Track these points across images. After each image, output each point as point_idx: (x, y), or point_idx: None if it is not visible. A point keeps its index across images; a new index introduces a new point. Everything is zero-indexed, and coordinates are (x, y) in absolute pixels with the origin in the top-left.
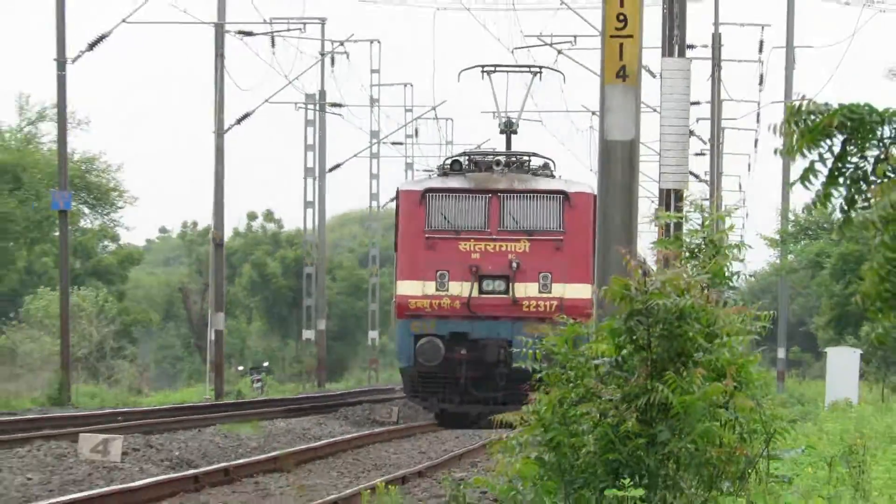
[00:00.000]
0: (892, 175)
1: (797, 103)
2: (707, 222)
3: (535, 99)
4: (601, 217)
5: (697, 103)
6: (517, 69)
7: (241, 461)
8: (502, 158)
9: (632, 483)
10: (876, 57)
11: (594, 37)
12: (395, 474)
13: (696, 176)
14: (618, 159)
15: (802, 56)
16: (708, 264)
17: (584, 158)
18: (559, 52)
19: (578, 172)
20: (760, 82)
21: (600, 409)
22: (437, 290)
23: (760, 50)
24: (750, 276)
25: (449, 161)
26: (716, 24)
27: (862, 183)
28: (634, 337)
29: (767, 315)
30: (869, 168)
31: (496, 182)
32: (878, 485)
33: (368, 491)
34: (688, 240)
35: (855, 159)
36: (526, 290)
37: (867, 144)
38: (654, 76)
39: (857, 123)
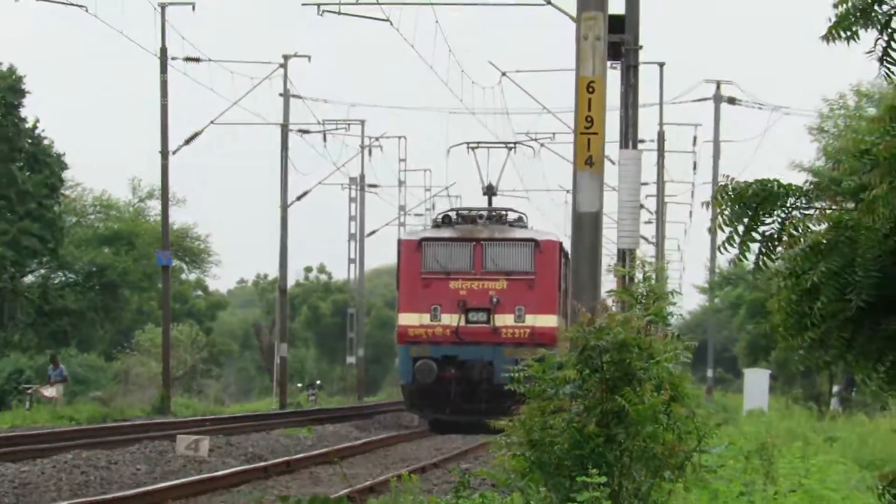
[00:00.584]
0: (795, 234)
1: (723, 182)
2: (648, 275)
3: (524, 181)
4: (574, 270)
5: (646, 184)
6: (496, 145)
7: (299, 456)
8: (484, 213)
9: (596, 472)
10: (781, 148)
11: (568, 133)
12: (416, 466)
13: (646, 239)
14: (586, 227)
15: (726, 148)
16: (651, 307)
17: (561, 227)
18: (542, 144)
19: (555, 234)
20: (694, 168)
21: (568, 419)
22: (431, 320)
23: (694, 143)
24: (685, 316)
25: (441, 216)
26: (660, 124)
27: (772, 241)
28: (590, 363)
29: (692, 345)
30: (776, 228)
31: (479, 232)
32: (783, 472)
33: (396, 478)
34: (636, 290)
35: (767, 220)
36: (504, 320)
37: (775, 210)
38: (613, 163)
39: (767, 194)
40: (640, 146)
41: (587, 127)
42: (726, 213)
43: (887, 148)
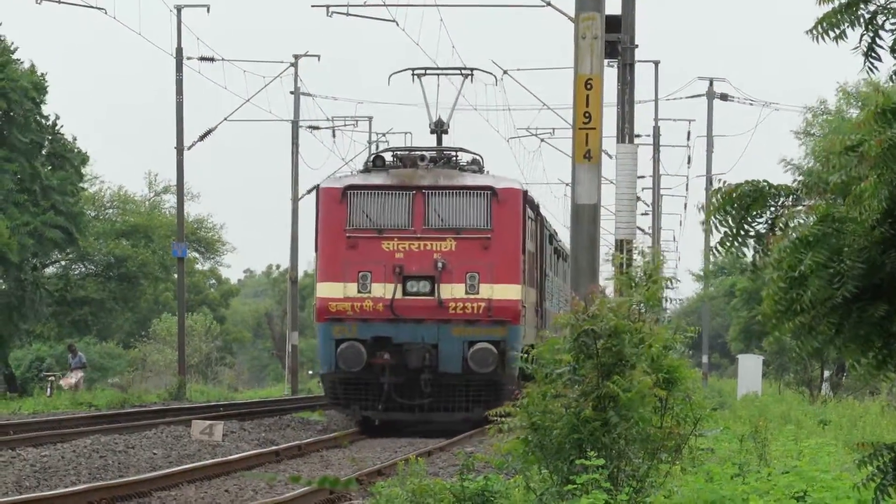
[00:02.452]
0: (785, 227)
1: (716, 185)
2: (646, 260)
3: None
4: (573, 259)
5: (642, 177)
6: (447, 72)
7: (310, 440)
8: (428, 154)
9: (594, 455)
10: (772, 142)
11: (567, 129)
12: (423, 449)
13: (642, 230)
14: (585, 218)
15: (719, 143)
16: (646, 292)
17: (560, 218)
18: (542, 140)
19: (518, 181)
20: (688, 162)
21: (565, 404)
22: (358, 291)
23: (688, 138)
24: (681, 302)
25: (372, 157)
26: (656, 119)
27: (762, 240)
28: (585, 349)
29: (694, 329)
30: (767, 226)
31: (421, 178)
32: (777, 454)
33: (403, 461)
34: (633, 273)
35: (759, 219)
36: (452, 291)
37: (764, 210)
38: (610, 157)
39: (758, 194)
40: (636, 141)
41: (585, 122)
42: (719, 214)
43: (878, 143)
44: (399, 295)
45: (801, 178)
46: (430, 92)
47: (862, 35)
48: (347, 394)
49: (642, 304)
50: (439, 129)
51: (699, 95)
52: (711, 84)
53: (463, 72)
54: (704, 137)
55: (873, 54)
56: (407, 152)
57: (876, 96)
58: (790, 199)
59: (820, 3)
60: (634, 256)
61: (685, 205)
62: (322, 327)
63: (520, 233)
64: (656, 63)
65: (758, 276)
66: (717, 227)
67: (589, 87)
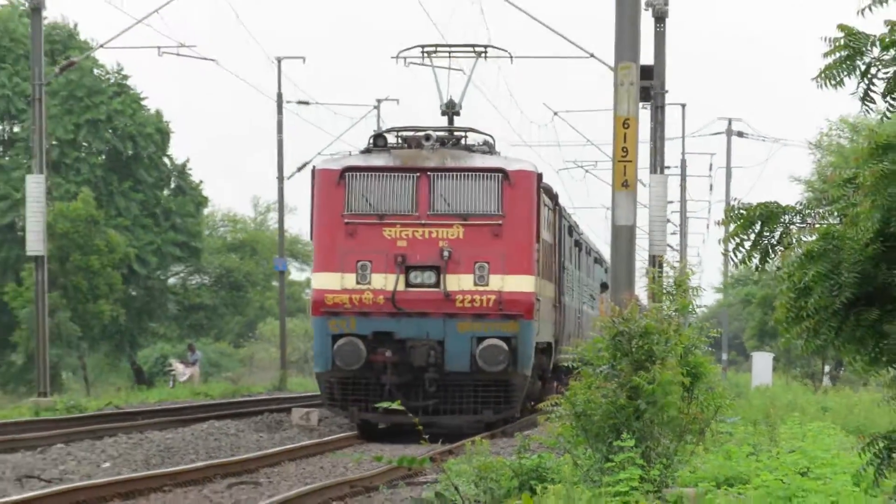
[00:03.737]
0: (791, 245)
1: (732, 204)
2: (677, 274)
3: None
4: (613, 272)
5: (671, 202)
6: (459, 51)
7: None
8: (434, 133)
9: (628, 437)
10: (781, 172)
11: (608, 161)
12: (487, 433)
13: (671, 247)
14: (623, 237)
15: (736, 172)
16: (678, 300)
17: (602, 236)
18: (586, 171)
19: (532, 163)
20: (710, 189)
21: (604, 394)
22: (357, 283)
23: (710, 169)
24: (703, 310)
25: (373, 136)
26: (683, 153)
27: (770, 251)
28: (621, 347)
29: (717, 331)
30: (774, 241)
31: (426, 159)
32: (785, 436)
33: (470, 442)
34: (664, 284)
35: (766, 234)
36: (459, 282)
37: (774, 227)
38: (644, 186)
39: (769, 214)
40: (666, 171)
41: (623, 156)
42: (734, 230)
43: (872, 173)
44: (401, 286)
45: (807, 193)
46: (441, 72)
47: (859, 83)
48: (345, 394)
49: (675, 311)
50: (450, 110)
51: (719, 133)
52: (730, 123)
53: (476, 49)
54: (724, 168)
55: (868, 99)
56: (412, 132)
57: (870, 134)
58: (796, 217)
59: (825, 56)
60: (667, 270)
61: (707, 226)
62: (317, 321)
63: (534, 219)
64: (683, 105)
65: (766, 273)
66: (732, 240)
67: (626, 126)
